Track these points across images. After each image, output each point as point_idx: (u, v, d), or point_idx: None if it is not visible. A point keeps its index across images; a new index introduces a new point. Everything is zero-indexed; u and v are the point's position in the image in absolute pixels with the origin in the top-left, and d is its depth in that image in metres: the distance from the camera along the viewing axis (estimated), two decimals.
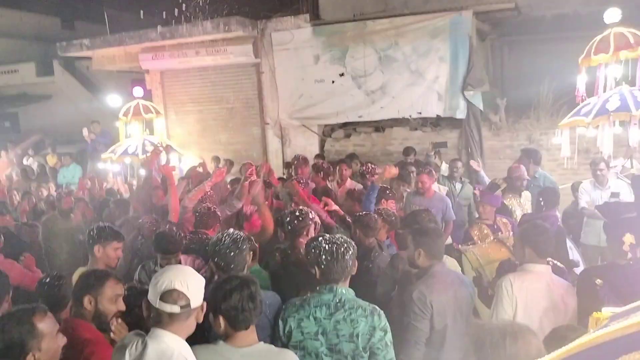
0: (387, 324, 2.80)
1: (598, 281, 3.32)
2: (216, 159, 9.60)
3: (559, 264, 4.09)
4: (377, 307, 2.84)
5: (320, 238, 2.95)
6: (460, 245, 4.99)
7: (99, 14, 12.45)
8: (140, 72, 11.45)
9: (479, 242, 4.84)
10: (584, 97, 5.84)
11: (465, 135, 8.83)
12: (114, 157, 9.09)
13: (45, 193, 8.75)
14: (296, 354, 2.71)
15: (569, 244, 5.27)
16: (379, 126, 9.65)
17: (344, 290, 2.84)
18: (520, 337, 2.08)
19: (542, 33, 9.93)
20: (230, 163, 9.10)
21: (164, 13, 10.20)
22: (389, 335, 2.79)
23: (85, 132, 11.51)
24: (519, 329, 2.14)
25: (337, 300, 2.79)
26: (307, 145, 9.88)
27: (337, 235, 2.99)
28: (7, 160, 12.98)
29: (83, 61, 14.81)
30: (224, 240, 3.19)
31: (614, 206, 5.34)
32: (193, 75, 10.72)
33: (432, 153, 7.80)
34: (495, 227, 5.08)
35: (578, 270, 4.51)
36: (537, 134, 8.71)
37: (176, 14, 9.80)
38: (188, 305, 2.25)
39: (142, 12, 11.33)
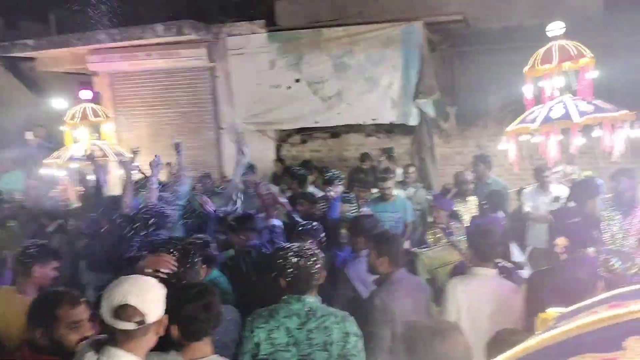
0: (359, 329, 2.81)
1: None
2: (167, 165, 9.42)
3: (507, 264, 4.26)
4: (347, 313, 2.85)
5: (287, 249, 2.92)
6: (415, 249, 5.14)
7: (44, 14, 12.03)
8: (88, 75, 11.11)
9: (432, 245, 4.99)
10: (530, 106, 6.11)
11: (418, 142, 9.06)
12: (59, 162, 8.76)
13: None
14: None
15: (514, 247, 5.49)
16: (335, 132, 9.76)
17: (313, 299, 2.83)
18: (449, 336, 2.09)
19: (489, 44, 10.31)
20: None
21: (114, 14, 9.97)
22: (362, 340, 2.80)
23: (29, 135, 11.07)
24: (448, 328, 2.16)
25: (308, 309, 2.76)
26: (263, 150, 9.86)
27: (306, 246, 2.96)
28: None
29: (27, 62, 14.22)
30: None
31: (565, 211, 5.61)
32: (144, 78, 10.49)
33: (382, 158, 7.97)
34: (448, 231, 5.24)
35: (523, 273, 4.69)
36: (485, 140, 9.04)
37: (127, 15, 9.60)
38: (143, 321, 2.07)
39: (90, 13, 11.04)
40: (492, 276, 3.45)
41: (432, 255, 4.76)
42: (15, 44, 10.39)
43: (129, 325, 2.04)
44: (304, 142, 9.91)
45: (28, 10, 12.95)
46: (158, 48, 9.75)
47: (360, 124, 9.37)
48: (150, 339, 2.14)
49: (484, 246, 3.46)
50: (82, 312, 2.44)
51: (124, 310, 2.04)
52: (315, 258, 2.84)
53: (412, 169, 7.52)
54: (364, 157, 8.20)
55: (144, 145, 10.55)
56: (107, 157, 8.56)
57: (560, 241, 5.66)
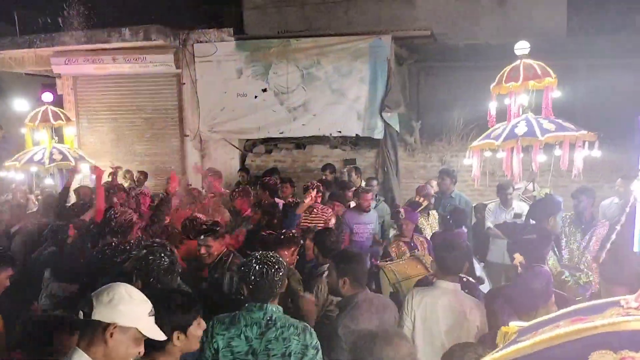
0: (318, 342, 2.77)
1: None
2: (128, 172, 9.25)
3: (471, 279, 4.30)
4: (307, 325, 2.82)
5: (250, 257, 2.88)
6: (378, 262, 5.13)
7: (7, 13, 11.71)
8: (51, 77, 10.86)
9: (396, 258, 4.99)
10: (493, 122, 6.21)
11: (382, 155, 9.11)
12: (18, 164, 8.49)
13: None
14: None
15: (475, 262, 5.56)
16: (299, 143, 9.75)
17: (274, 308, 2.79)
18: (390, 341, 2.07)
19: (455, 61, 10.50)
20: (144, 175, 8.81)
21: (81, 16, 9.77)
22: (320, 353, 2.75)
23: None
24: (391, 334, 2.13)
25: (268, 318, 2.74)
26: (228, 160, 9.77)
27: (269, 254, 2.92)
28: None
29: None
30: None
31: (512, 226, 5.72)
32: (109, 83, 10.31)
33: (345, 170, 7.99)
34: (413, 244, 5.26)
35: (483, 288, 4.74)
36: (448, 155, 9.16)
37: (93, 18, 9.43)
38: (90, 313, 1.99)
39: (55, 14, 10.80)
40: (452, 289, 3.42)
41: (396, 268, 4.74)
42: None
43: (80, 314, 2.01)
44: (268, 152, 9.86)
45: None
46: (124, 52, 9.60)
47: (325, 136, 9.39)
48: (119, 349, 2.02)
49: (449, 260, 3.45)
50: (75, 340, 2.25)
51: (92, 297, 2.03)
52: (278, 266, 2.80)
53: (374, 182, 7.56)
54: (326, 167, 8.17)
55: (106, 150, 10.38)
56: (69, 161, 8.33)
57: (517, 257, 5.79)
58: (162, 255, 3.03)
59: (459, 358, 2.41)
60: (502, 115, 5.84)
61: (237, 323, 2.74)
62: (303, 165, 9.48)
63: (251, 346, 2.69)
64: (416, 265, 4.79)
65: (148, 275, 2.97)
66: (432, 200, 6.58)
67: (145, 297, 2.11)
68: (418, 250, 5.20)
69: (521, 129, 5.33)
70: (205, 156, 9.93)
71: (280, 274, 2.80)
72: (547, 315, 0.97)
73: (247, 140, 10.01)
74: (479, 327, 3.30)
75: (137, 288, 2.20)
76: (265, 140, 9.92)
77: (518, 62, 5.59)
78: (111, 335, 1.99)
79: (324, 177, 7.83)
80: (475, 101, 8.60)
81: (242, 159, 9.93)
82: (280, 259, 2.92)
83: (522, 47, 5.66)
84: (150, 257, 3.01)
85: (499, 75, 5.71)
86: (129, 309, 2.03)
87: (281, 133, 9.46)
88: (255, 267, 2.78)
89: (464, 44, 9.92)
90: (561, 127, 5.30)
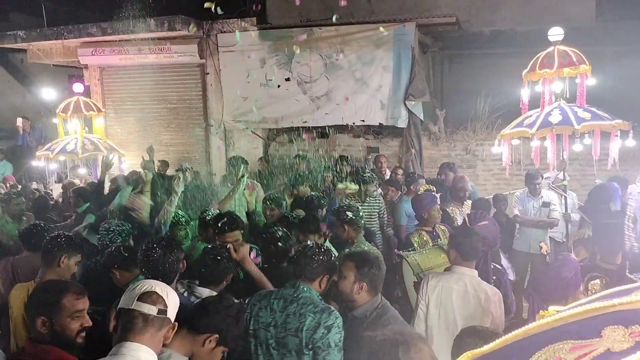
0: (338, 324, 2.72)
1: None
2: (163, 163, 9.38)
3: (498, 265, 4.30)
4: (332, 308, 2.81)
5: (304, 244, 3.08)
6: (400, 251, 5.12)
7: (36, 6, 11.92)
8: (78, 68, 11.03)
9: (419, 248, 4.98)
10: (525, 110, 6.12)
11: (406, 144, 9.07)
12: (51, 155, 8.68)
13: None
14: (251, 342, 2.80)
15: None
16: (323, 132, 9.76)
17: (306, 287, 2.86)
18: (412, 345, 2.01)
19: (480, 48, 10.37)
20: (165, 164, 8.93)
21: (106, 8, 9.88)
22: (335, 336, 2.69)
23: (19, 121, 10.98)
24: (411, 338, 2.06)
25: (295, 295, 2.83)
26: (251, 149, 9.84)
27: (315, 242, 3.09)
28: None
29: (17, 54, 14.11)
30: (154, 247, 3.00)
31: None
32: (134, 73, 10.43)
33: (370, 157, 7.97)
34: (435, 233, 5.24)
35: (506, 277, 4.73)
36: (473, 144, 9.08)
37: (119, 9, 9.52)
38: (165, 311, 2.09)
39: (82, 6, 10.96)
40: (469, 275, 3.44)
41: (419, 258, 4.73)
42: (6, 35, 10.29)
43: (152, 310, 2.05)
44: (291, 141, 9.90)
45: (19, 1, 12.85)
46: (149, 43, 9.70)
47: (348, 125, 9.38)
48: (160, 340, 2.12)
49: (466, 245, 3.47)
50: (85, 302, 2.43)
51: (149, 295, 2.08)
52: (317, 251, 2.91)
53: (400, 171, 7.56)
54: (342, 159, 8.14)
55: (132, 141, 10.53)
56: (100, 151, 8.50)
57: (544, 245, 5.77)
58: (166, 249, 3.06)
59: (468, 341, 2.42)
60: (531, 102, 5.76)
61: (269, 296, 2.91)
62: (326, 155, 9.48)
63: (274, 318, 2.82)
64: (440, 254, 4.76)
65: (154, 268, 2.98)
66: (467, 194, 6.50)
67: None
68: (440, 240, 5.18)
69: (555, 117, 5.24)
70: (228, 145, 10.01)
71: (320, 257, 2.88)
72: (582, 300, 1.01)
73: (270, 129, 10.06)
74: (493, 315, 3.31)
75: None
76: (288, 130, 9.96)
77: (552, 48, 5.48)
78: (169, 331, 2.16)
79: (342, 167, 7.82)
80: (501, 89, 8.51)
81: (266, 148, 9.99)
82: (329, 247, 3.07)
83: (555, 33, 5.55)
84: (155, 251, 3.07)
85: (531, 62, 5.62)
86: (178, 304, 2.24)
87: (304, 122, 9.48)
88: (300, 249, 2.98)
89: (489, 30, 9.78)
90: (596, 116, 5.20)
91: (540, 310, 1.06)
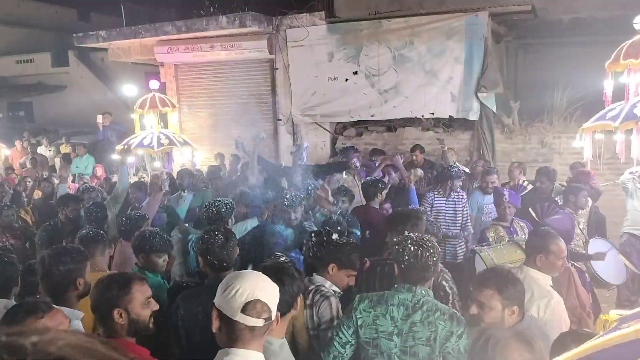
0: (465, 329, 2.64)
1: None
2: (220, 156, 9.62)
3: (577, 265, 4.10)
4: (456, 312, 2.74)
5: (406, 237, 2.86)
6: (475, 246, 4.99)
7: (115, 6, 12.52)
8: (154, 65, 11.49)
9: (493, 243, 4.84)
10: (608, 102, 5.77)
11: (478, 137, 8.82)
12: (129, 149, 9.09)
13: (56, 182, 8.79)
14: (367, 351, 2.69)
15: (597, 240, 5.31)
16: (391, 125, 9.66)
17: (424, 291, 2.74)
18: (533, 342, 1.96)
19: (558, 37, 9.88)
20: (237, 159, 9.11)
21: (180, 7, 10.23)
22: (464, 342, 2.61)
23: (99, 118, 11.60)
24: (532, 334, 2.01)
25: (416, 301, 2.69)
26: (319, 143, 9.90)
27: (425, 237, 2.87)
28: (21, 149, 13.11)
29: (98, 53, 14.91)
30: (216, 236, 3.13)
31: None
32: (207, 70, 10.75)
33: (447, 148, 7.77)
34: (512, 229, 5.07)
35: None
36: (550, 137, 8.69)
37: (192, 8, 9.83)
38: (270, 317, 1.95)
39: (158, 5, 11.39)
40: (537, 278, 3.25)
41: (492, 253, 4.59)
42: (88, 35, 10.88)
43: (259, 322, 1.91)
44: (359, 134, 9.86)
45: (100, 2, 13.54)
46: (221, 40, 9.95)
47: (417, 118, 9.23)
48: (265, 339, 2.04)
49: (538, 249, 3.32)
50: (148, 288, 2.48)
51: (253, 306, 1.91)
52: (433, 250, 2.75)
53: (481, 163, 7.37)
54: (415, 148, 7.97)
55: (204, 135, 10.86)
56: (175, 145, 8.83)
57: None
58: (217, 233, 3.15)
59: (564, 345, 2.32)
60: (615, 94, 5.45)
61: (384, 302, 2.74)
62: (394, 148, 9.38)
63: (396, 327, 2.67)
64: (515, 250, 4.59)
65: (206, 252, 3.13)
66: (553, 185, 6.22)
67: None
68: (517, 235, 4.99)
69: None
70: (297, 140, 10.11)
71: (434, 258, 2.75)
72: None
73: (338, 123, 10.07)
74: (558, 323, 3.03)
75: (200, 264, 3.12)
76: (356, 123, 9.93)
77: (637, 37, 5.16)
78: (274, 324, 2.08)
79: (413, 158, 7.71)
80: (580, 80, 8.09)
81: (333, 142, 10.02)
82: (436, 243, 2.86)
83: None
84: (205, 237, 3.17)
85: (615, 52, 5.31)
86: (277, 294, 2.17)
87: (372, 116, 9.42)
88: (410, 247, 2.75)
89: (567, 18, 9.28)
90: None
91: (602, 315, 0.99)
